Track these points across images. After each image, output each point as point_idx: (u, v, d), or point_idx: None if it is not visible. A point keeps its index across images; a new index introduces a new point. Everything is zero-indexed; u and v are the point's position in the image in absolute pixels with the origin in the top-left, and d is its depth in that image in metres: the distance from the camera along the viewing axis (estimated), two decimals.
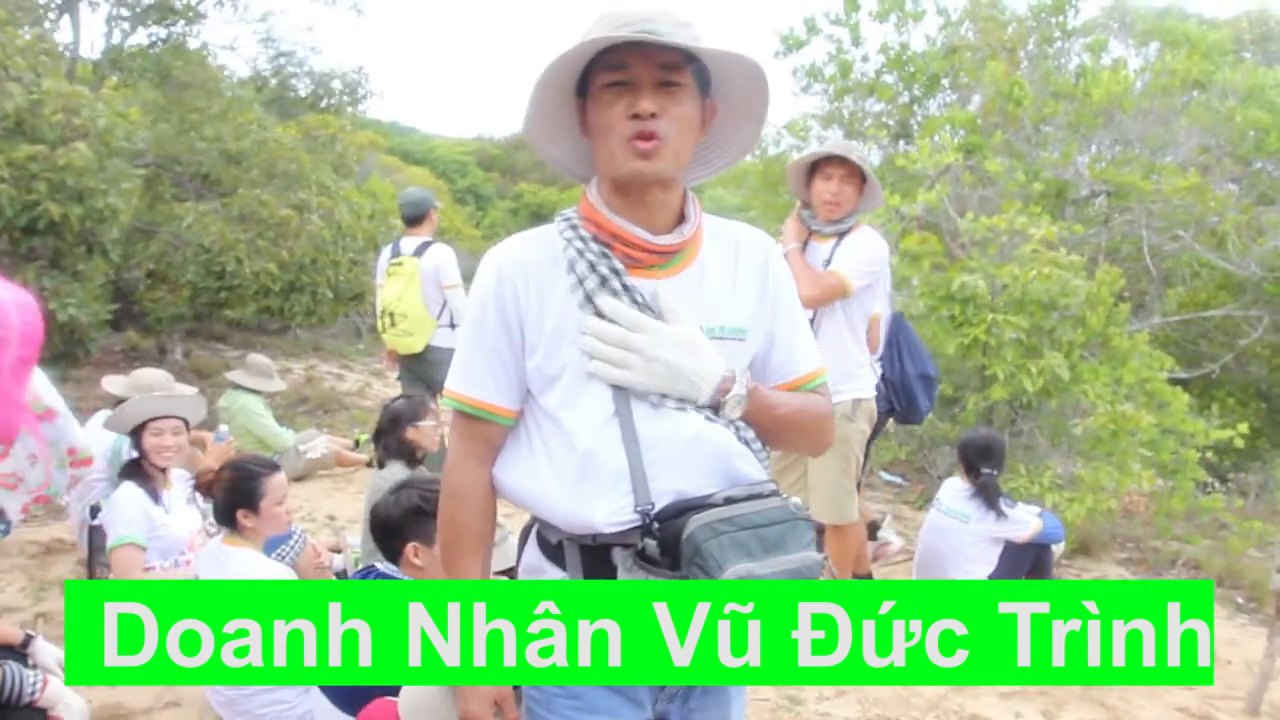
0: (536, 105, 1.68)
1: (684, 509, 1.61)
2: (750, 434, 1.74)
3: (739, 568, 1.52)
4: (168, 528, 4.08)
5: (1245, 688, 4.19)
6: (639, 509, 1.63)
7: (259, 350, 12.02)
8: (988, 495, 4.89)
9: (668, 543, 1.58)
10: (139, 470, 4.15)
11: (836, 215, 4.18)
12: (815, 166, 4.21)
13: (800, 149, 10.51)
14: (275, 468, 3.61)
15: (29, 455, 2.34)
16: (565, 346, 1.68)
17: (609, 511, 1.64)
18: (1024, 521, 4.90)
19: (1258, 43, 14.73)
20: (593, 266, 1.66)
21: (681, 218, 1.74)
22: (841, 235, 4.23)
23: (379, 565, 3.02)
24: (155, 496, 4.11)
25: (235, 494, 3.47)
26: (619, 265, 1.67)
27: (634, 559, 1.60)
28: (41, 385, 2.33)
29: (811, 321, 4.11)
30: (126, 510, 3.99)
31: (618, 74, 1.61)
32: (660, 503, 1.63)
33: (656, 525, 1.61)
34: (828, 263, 4.21)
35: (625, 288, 1.66)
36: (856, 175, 4.14)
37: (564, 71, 1.63)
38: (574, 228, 1.72)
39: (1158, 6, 13.59)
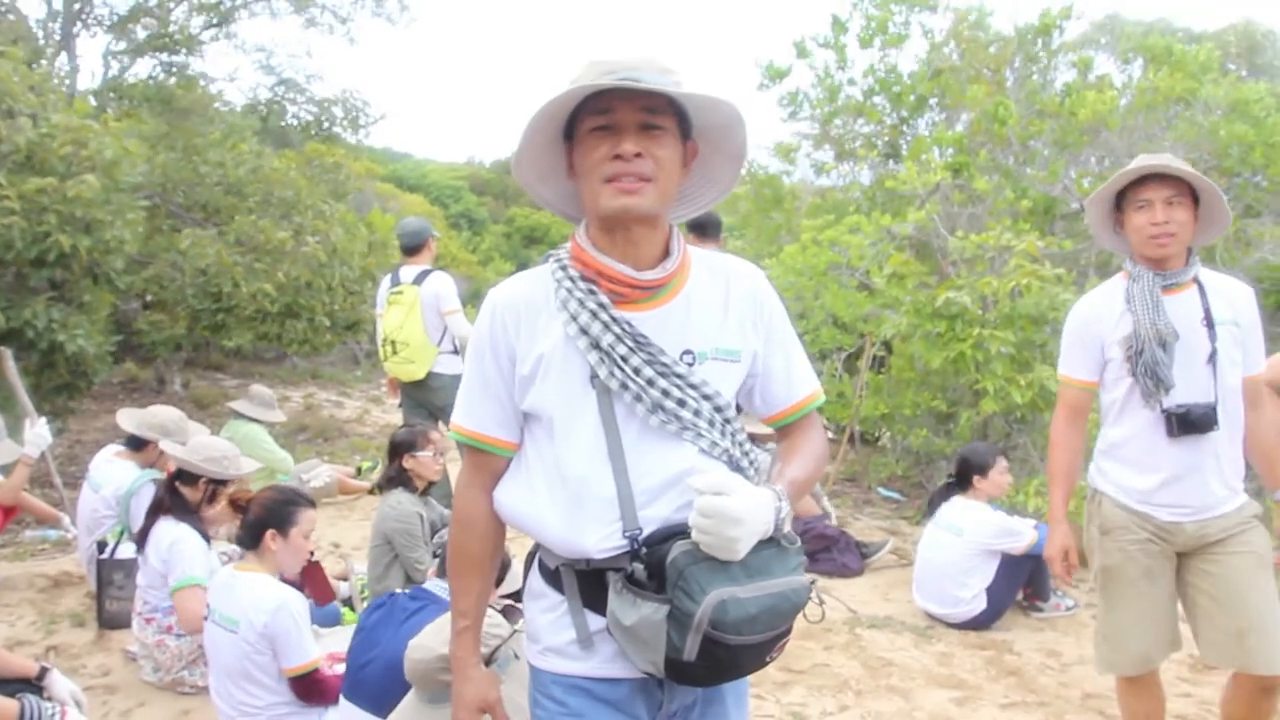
0: (526, 148, 1.77)
1: (670, 534, 1.67)
2: (750, 467, 1.81)
3: (722, 591, 1.57)
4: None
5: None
6: (627, 534, 1.70)
7: (257, 379, 12.12)
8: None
9: (654, 567, 1.65)
10: (193, 511, 4.17)
11: (1170, 249, 3.00)
12: (1122, 197, 3.10)
13: (789, 172, 10.61)
14: (312, 503, 3.70)
15: None
16: (557, 378, 1.77)
17: (599, 537, 1.72)
18: (1019, 533, 4.98)
19: (1243, 55, 14.89)
20: (581, 303, 1.74)
21: (665, 253, 1.82)
22: (1197, 279, 3.07)
23: (399, 592, 3.13)
24: (207, 542, 4.17)
25: (271, 514, 3.55)
26: (605, 299, 1.75)
27: (623, 582, 1.67)
28: None
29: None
30: (192, 551, 4.01)
31: (603, 118, 1.70)
32: (648, 529, 1.70)
33: (644, 550, 1.68)
34: (1208, 321, 3.02)
35: (613, 319, 1.74)
36: (1186, 194, 2.99)
37: (552, 116, 1.73)
38: (563, 267, 1.81)
39: (1147, 20, 13.75)
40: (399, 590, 3.22)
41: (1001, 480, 5.27)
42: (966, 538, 5.03)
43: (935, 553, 5.18)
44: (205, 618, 3.50)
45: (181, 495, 4.18)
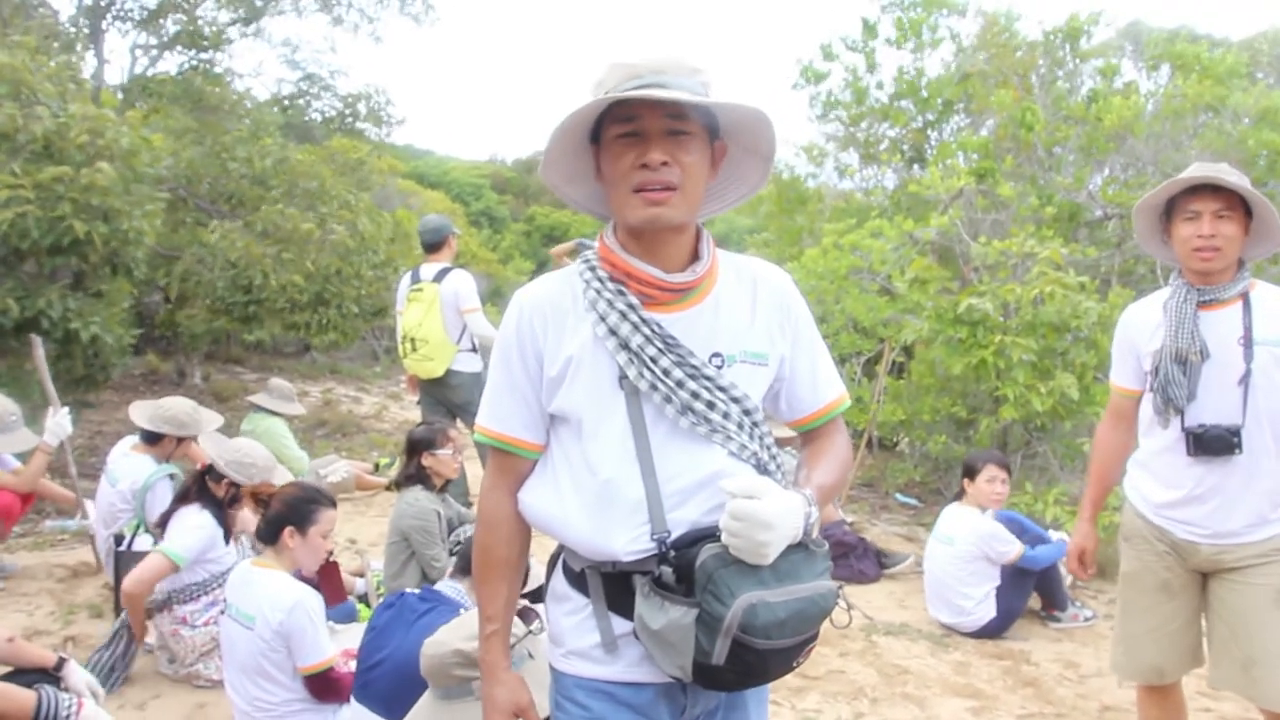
0: (553, 154, 1.75)
1: (698, 538, 1.65)
2: (777, 470, 1.80)
3: (751, 595, 1.56)
4: (226, 561, 4.15)
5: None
6: (655, 537, 1.69)
7: (277, 373, 12.17)
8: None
9: (683, 570, 1.64)
10: (219, 503, 4.18)
11: (1215, 264, 2.90)
12: (1172, 205, 3.00)
13: (815, 175, 10.58)
14: (333, 503, 3.69)
15: None
16: (586, 380, 1.75)
17: (627, 540, 1.70)
18: (1006, 540, 4.95)
19: (1275, 63, 14.73)
20: (611, 303, 1.73)
21: (695, 256, 1.81)
22: (1245, 296, 2.95)
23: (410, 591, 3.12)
24: (227, 535, 4.18)
25: (292, 511, 3.55)
26: (634, 300, 1.74)
27: (651, 586, 1.66)
28: None
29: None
30: (191, 529, 4.02)
31: (628, 125, 1.68)
32: (676, 531, 1.69)
33: (672, 553, 1.67)
34: (1246, 340, 2.91)
35: (643, 320, 1.72)
36: (1237, 207, 2.89)
37: (576, 125, 1.71)
38: (592, 269, 1.80)
39: (1169, 27, 13.63)
40: (409, 590, 3.22)
41: (988, 488, 5.10)
42: (957, 546, 5.00)
43: (932, 563, 5.20)
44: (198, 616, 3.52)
45: (208, 488, 4.20)
